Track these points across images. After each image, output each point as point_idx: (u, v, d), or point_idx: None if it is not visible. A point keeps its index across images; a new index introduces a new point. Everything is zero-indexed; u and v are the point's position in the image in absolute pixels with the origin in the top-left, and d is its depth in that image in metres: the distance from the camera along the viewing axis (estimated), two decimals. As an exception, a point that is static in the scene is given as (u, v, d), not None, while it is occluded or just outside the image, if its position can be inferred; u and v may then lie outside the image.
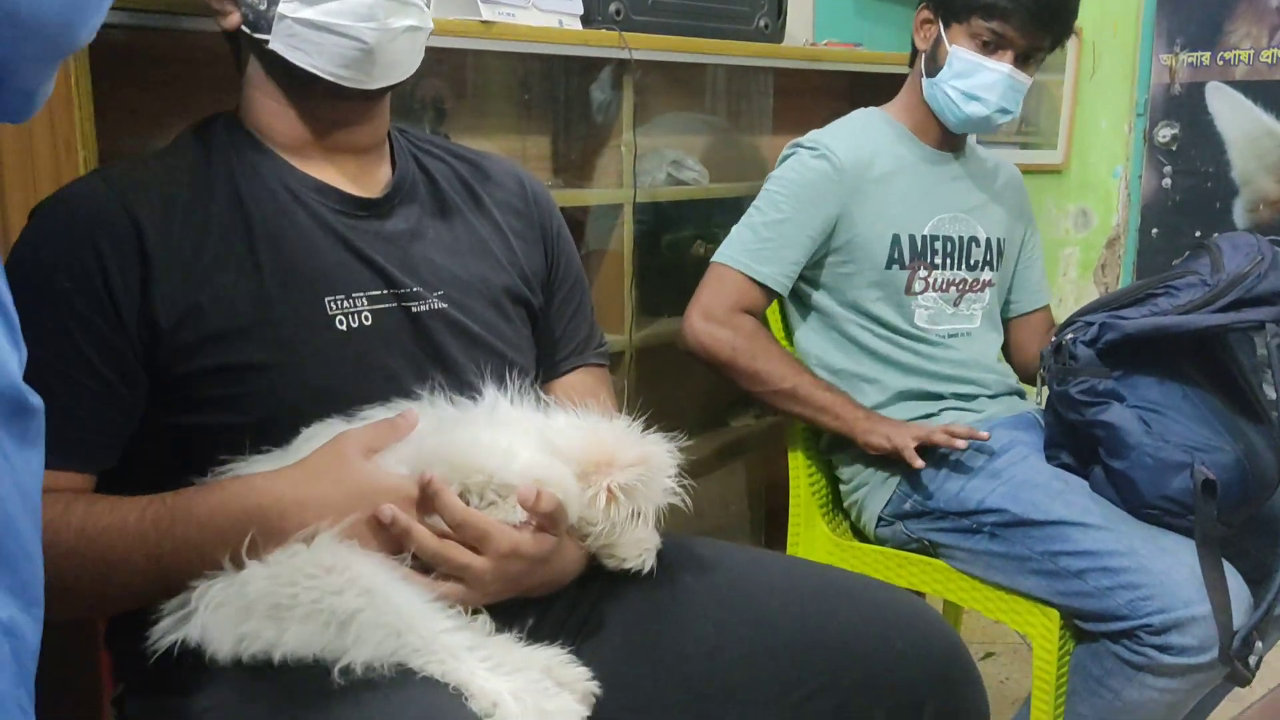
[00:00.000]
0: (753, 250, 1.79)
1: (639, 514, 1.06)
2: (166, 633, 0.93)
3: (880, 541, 1.83)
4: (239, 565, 0.93)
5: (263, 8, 1.06)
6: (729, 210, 2.27)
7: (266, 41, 1.07)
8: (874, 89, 2.21)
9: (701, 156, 2.21)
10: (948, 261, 1.89)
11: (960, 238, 1.90)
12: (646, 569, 1.08)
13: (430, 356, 1.12)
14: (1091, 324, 1.60)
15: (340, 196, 1.13)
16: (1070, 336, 1.61)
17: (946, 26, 1.81)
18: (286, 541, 0.94)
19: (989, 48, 1.78)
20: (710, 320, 1.78)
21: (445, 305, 1.15)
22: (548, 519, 1.00)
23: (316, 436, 1.02)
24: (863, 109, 1.96)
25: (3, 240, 1.43)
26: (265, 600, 0.91)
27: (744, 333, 1.77)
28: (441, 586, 0.97)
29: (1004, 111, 1.82)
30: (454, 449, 1.01)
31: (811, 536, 1.90)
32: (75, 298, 0.98)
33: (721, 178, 2.23)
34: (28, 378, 0.95)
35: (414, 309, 1.13)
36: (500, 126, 1.94)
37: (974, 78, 1.79)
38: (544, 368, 1.29)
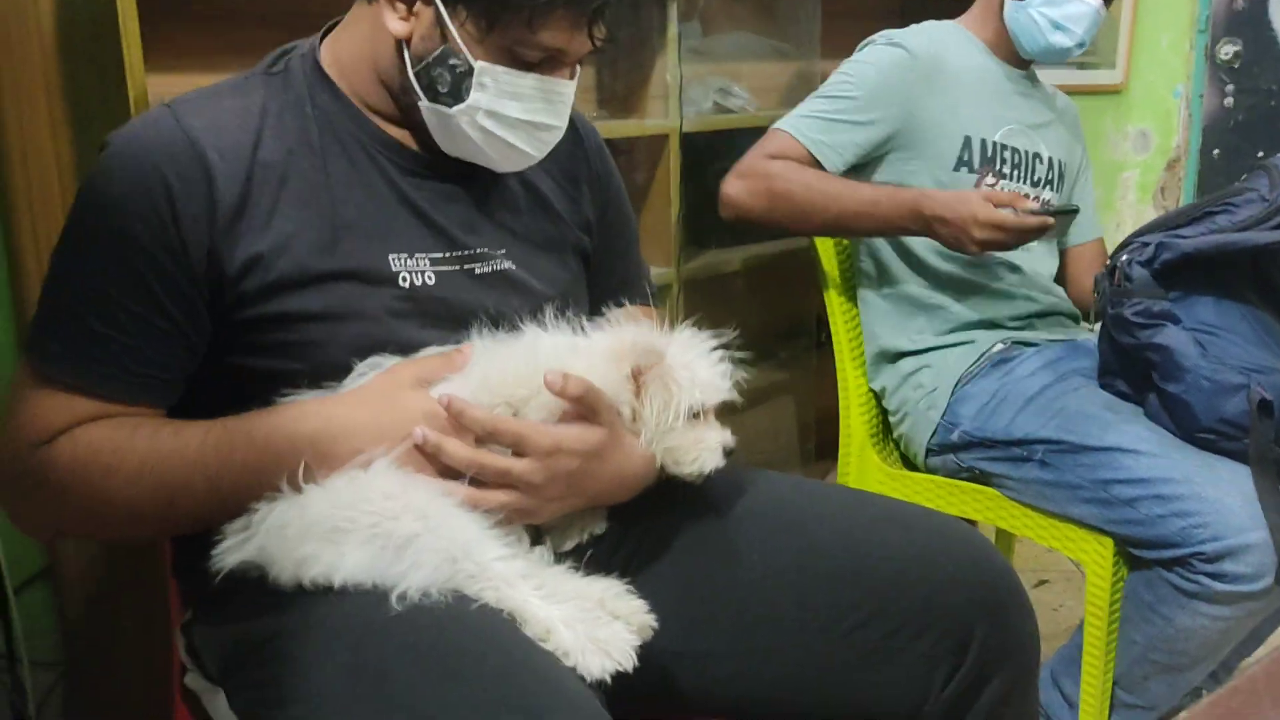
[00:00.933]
0: (810, 120, 1.76)
1: (677, 406, 1.04)
2: (229, 552, 0.96)
3: (931, 471, 1.83)
4: (297, 489, 0.95)
5: (448, 83, 1.04)
6: (777, 138, 2.24)
7: (446, 103, 1.05)
8: (923, 8, 2.15)
9: (748, 84, 2.18)
10: (1015, 173, 1.86)
11: (1027, 152, 1.87)
12: (706, 469, 1.06)
13: (492, 315, 1.11)
14: (1148, 244, 1.56)
15: (410, 156, 1.12)
16: (1125, 258, 1.57)
17: None
18: (340, 466, 0.95)
19: None
20: (744, 175, 1.75)
21: (509, 265, 1.15)
22: (583, 405, 0.98)
23: (368, 373, 1.03)
24: (933, 20, 1.92)
25: (57, 174, 1.46)
26: (324, 523, 0.93)
27: (777, 173, 1.72)
28: (495, 497, 0.97)
29: (1082, 45, 1.80)
30: (495, 371, 1.01)
31: (863, 466, 1.90)
32: (145, 236, 0.98)
33: (769, 105, 2.19)
34: (101, 314, 0.98)
35: (477, 270, 1.13)
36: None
37: (1064, 7, 1.78)
38: (592, 306, 1.29)
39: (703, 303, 2.11)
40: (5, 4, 1.51)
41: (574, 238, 1.23)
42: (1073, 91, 2.11)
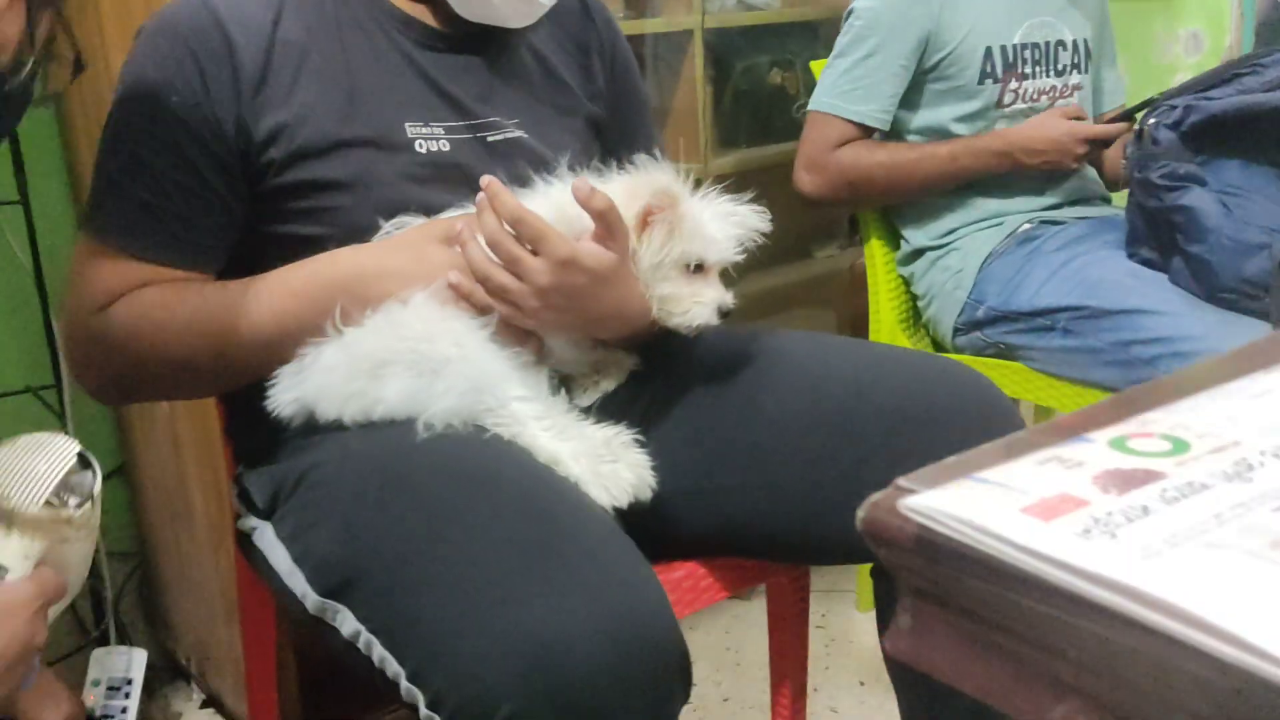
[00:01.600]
0: (846, 91, 1.78)
1: (670, 251, 1.05)
2: (283, 394, 1.03)
3: (959, 351, 1.86)
4: (338, 331, 1.01)
5: None
6: (805, 36, 2.26)
7: None
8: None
9: (774, -18, 2.19)
10: (1037, 70, 1.86)
11: (1047, 43, 1.87)
12: (695, 323, 1.07)
13: (506, 181, 1.17)
14: (1175, 107, 1.57)
15: (424, 30, 1.17)
16: (1153, 121, 1.58)
17: None
18: (372, 306, 1.01)
19: None
20: (814, 169, 1.80)
21: (521, 133, 1.20)
22: (604, 222, 1.00)
23: (403, 225, 1.09)
24: None
25: (106, 71, 1.54)
26: (369, 358, 0.99)
27: (849, 165, 1.79)
28: (498, 277, 1.00)
29: None
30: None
31: (892, 351, 1.93)
32: (182, 110, 1.06)
33: (794, 2, 2.21)
34: (149, 186, 1.05)
35: (489, 138, 1.18)
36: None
37: None
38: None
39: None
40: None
41: (585, 108, 1.28)
42: None
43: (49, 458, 0.79)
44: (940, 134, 1.83)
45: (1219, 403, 0.46)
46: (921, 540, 0.40)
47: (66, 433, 1.80)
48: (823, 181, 1.81)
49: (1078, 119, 1.78)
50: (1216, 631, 0.30)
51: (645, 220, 1.06)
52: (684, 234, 1.06)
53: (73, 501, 0.78)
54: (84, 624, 1.94)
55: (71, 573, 0.82)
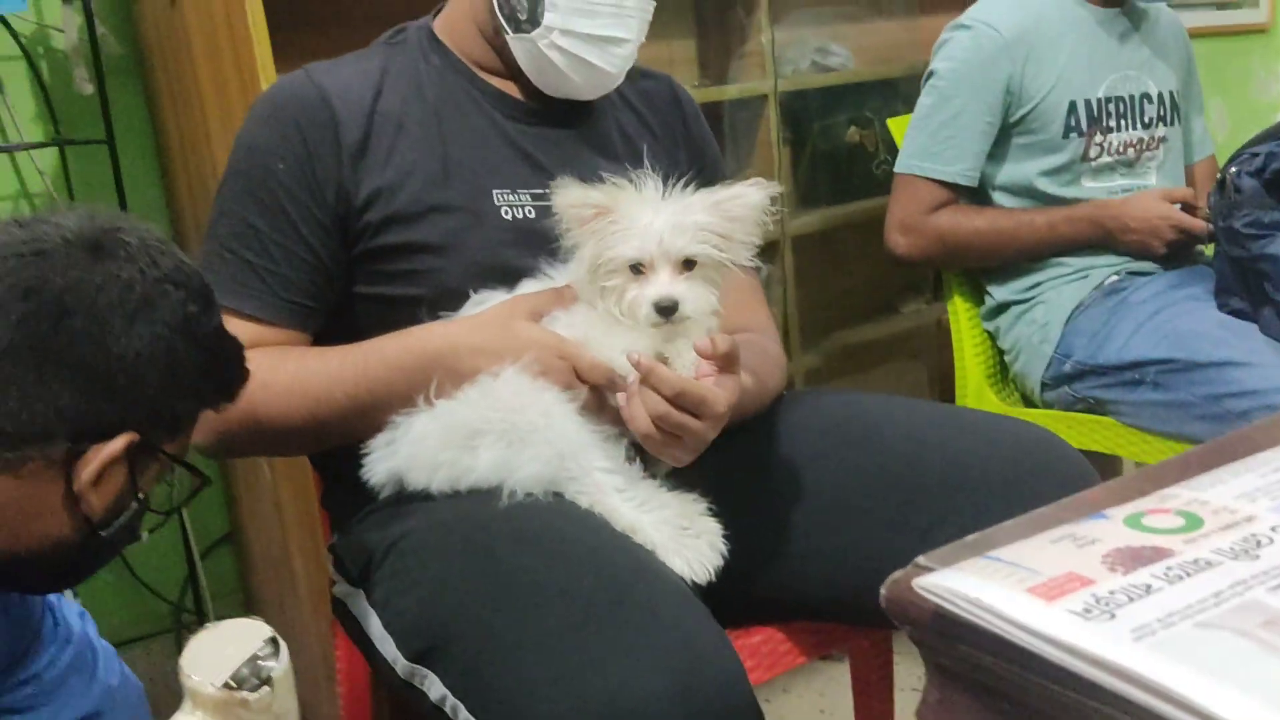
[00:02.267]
0: (934, 152, 1.80)
1: (599, 256, 1.05)
2: (376, 464, 1.08)
3: (1048, 406, 1.84)
4: (430, 403, 1.06)
5: (525, 9, 1.16)
6: (882, 94, 2.28)
7: (526, 30, 1.16)
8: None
9: (849, 42, 2.23)
10: (1123, 123, 1.85)
11: (1132, 96, 1.86)
12: (636, 317, 1.05)
13: None
14: (1257, 155, 1.55)
15: (514, 104, 1.24)
16: (1235, 169, 1.57)
17: None
18: (463, 382, 1.06)
19: None
20: (909, 232, 1.82)
21: None
22: (728, 361, 1.04)
23: (484, 302, 1.15)
24: None
25: (208, 151, 1.65)
26: (462, 428, 1.04)
27: (946, 231, 1.80)
28: (669, 450, 1.03)
29: None
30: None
31: (980, 406, 1.92)
32: (286, 176, 1.14)
33: (869, 62, 2.23)
34: (255, 249, 1.12)
35: None
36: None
37: None
38: None
39: (813, 260, 2.17)
40: (161, 22, 1.72)
41: None
42: (1215, 33, 2.07)
43: (238, 641, 0.84)
44: (1025, 189, 1.83)
45: (1242, 477, 0.46)
46: (939, 618, 0.42)
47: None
48: (917, 244, 1.82)
49: (1186, 203, 1.75)
50: (1196, 710, 0.31)
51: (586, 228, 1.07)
52: (610, 239, 1.06)
53: (249, 685, 0.82)
54: (197, 685, 2.02)
55: None
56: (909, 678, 1.38)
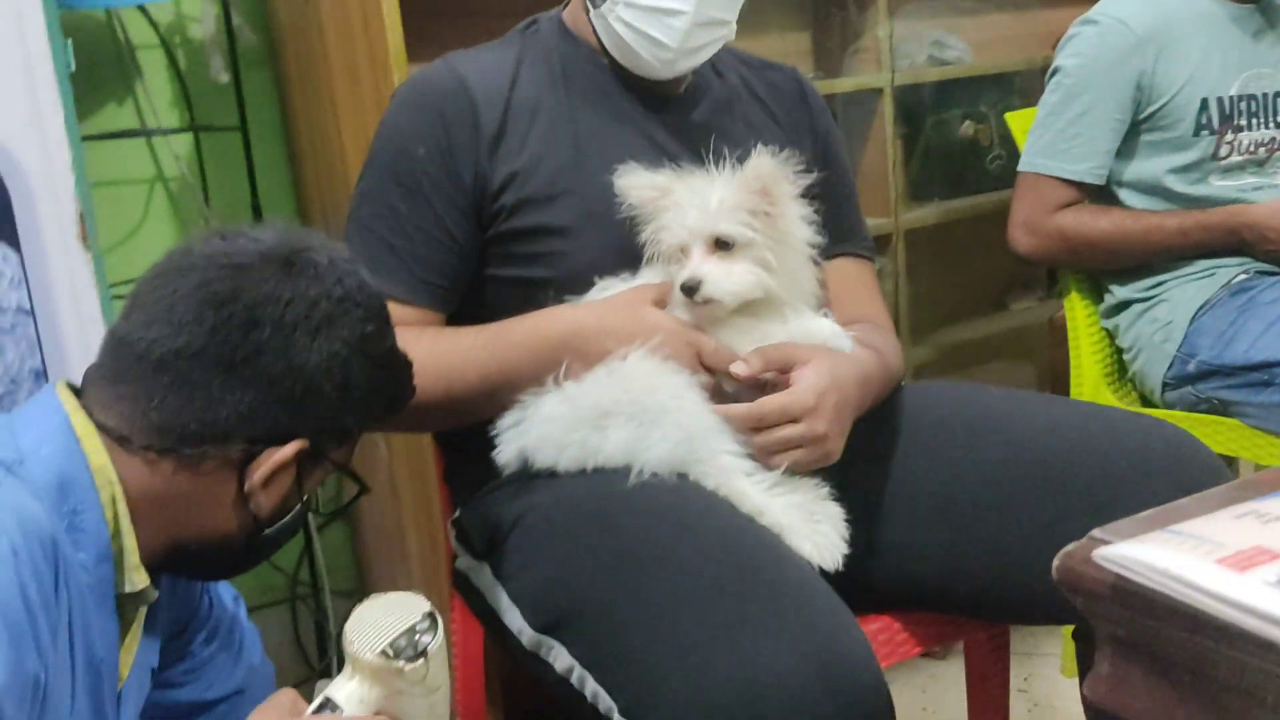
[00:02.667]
0: (1060, 150, 1.76)
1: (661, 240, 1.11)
2: (507, 444, 1.11)
3: (1169, 406, 1.79)
4: (558, 385, 1.09)
5: None
6: (999, 88, 2.25)
7: (596, 4, 1.21)
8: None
9: (966, 35, 2.20)
10: (1254, 122, 1.79)
11: (1266, 94, 1.80)
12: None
13: None
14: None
15: (646, 90, 1.26)
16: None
17: None
18: (590, 364, 1.09)
19: None
20: (1034, 232, 1.79)
21: None
22: (778, 365, 1.07)
23: (607, 289, 1.17)
24: None
25: (336, 140, 1.70)
26: (592, 409, 1.06)
27: (1070, 231, 1.77)
28: (792, 456, 1.05)
29: None
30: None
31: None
32: (426, 161, 1.18)
33: (988, 55, 2.20)
34: (394, 229, 1.16)
35: None
36: (760, 25, 2.03)
37: None
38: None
39: (926, 254, 2.15)
40: (295, 12, 1.78)
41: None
42: None
43: (398, 612, 0.86)
44: (1153, 186, 1.79)
45: None
46: (1117, 589, 0.42)
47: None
48: (1041, 244, 1.79)
49: None
50: None
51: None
52: (663, 222, 1.11)
53: (406, 655, 0.84)
54: (309, 658, 2.09)
55: None
56: (1014, 679, 1.37)
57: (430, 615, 0.87)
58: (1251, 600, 0.36)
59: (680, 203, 1.10)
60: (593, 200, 1.18)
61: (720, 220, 1.08)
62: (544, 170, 1.18)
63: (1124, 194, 1.81)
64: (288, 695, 0.88)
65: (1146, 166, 1.78)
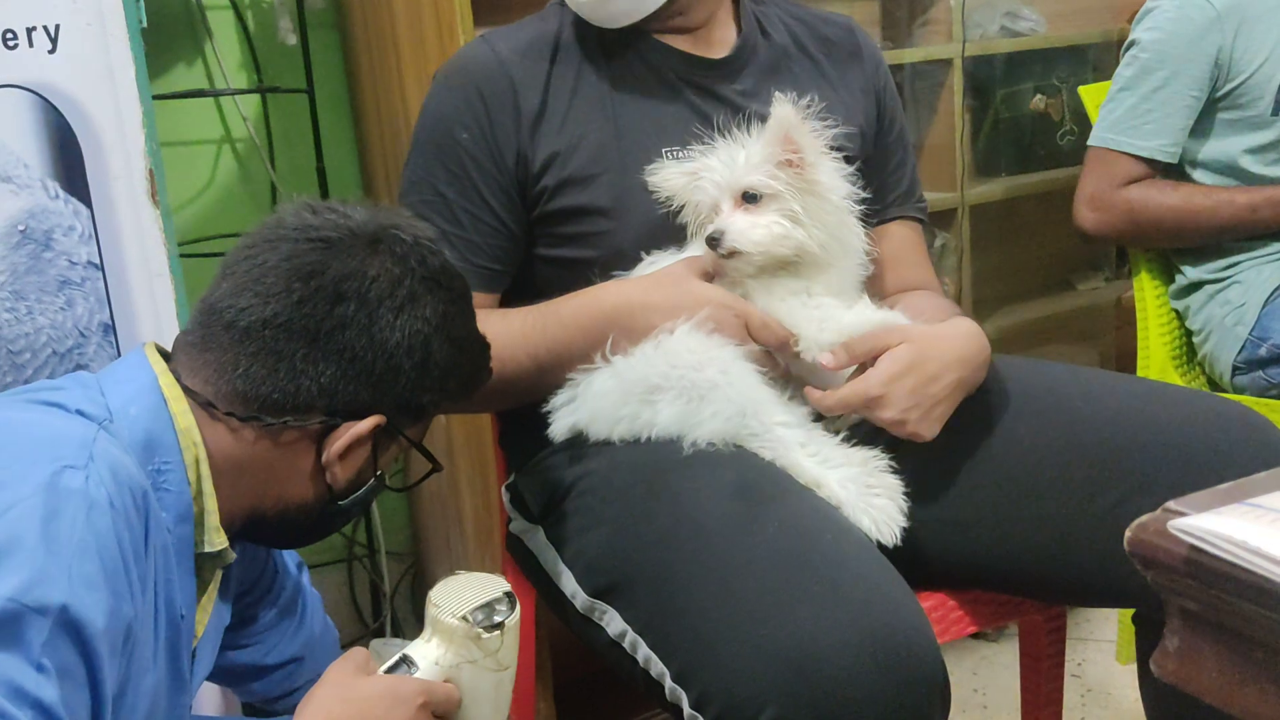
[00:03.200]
0: (1133, 126, 1.72)
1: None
2: (560, 420, 1.12)
3: (1239, 391, 1.75)
4: (607, 360, 1.09)
5: None
6: (1072, 61, 2.20)
7: None
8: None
9: (1040, 6, 2.15)
10: None
11: None
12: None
13: None
14: None
15: (686, 59, 1.25)
16: None
17: None
18: (638, 338, 1.08)
19: None
20: (1099, 208, 1.75)
21: None
22: (857, 356, 1.07)
23: (655, 263, 1.17)
24: None
25: (402, 103, 1.71)
26: (640, 384, 1.07)
27: (1137, 206, 1.72)
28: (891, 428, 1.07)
29: None
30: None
31: (1162, 389, 1.84)
32: (470, 144, 1.18)
33: (1062, 27, 2.15)
34: (444, 215, 1.17)
35: None
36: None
37: None
38: (868, 217, 1.35)
39: (992, 230, 2.11)
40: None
41: (842, 138, 1.30)
42: None
43: (481, 587, 0.91)
44: (1228, 166, 1.74)
45: None
46: (1191, 561, 0.41)
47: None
48: (1107, 220, 1.75)
49: None
50: None
51: None
52: (695, 194, 1.13)
53: (484, 625, 0.88)
54: (364, 617, 2.13)
55: (470, 699, 0.90)
56: (1068, 663, 1.35)
57: (509, 595, 0.90)
58: (1334, 575, 0.34)
59: (710, 168, 1.10)
60: (634, 178, 1.17)
61: (747, 173, 1.08)
62: (584, 150, 1.18)
63: (1197, 174, 1.76)
64: (361, 654, 0.89)
65: (1222, 145, 1.73)
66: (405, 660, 0.89)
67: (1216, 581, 0.39)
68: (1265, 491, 0.42)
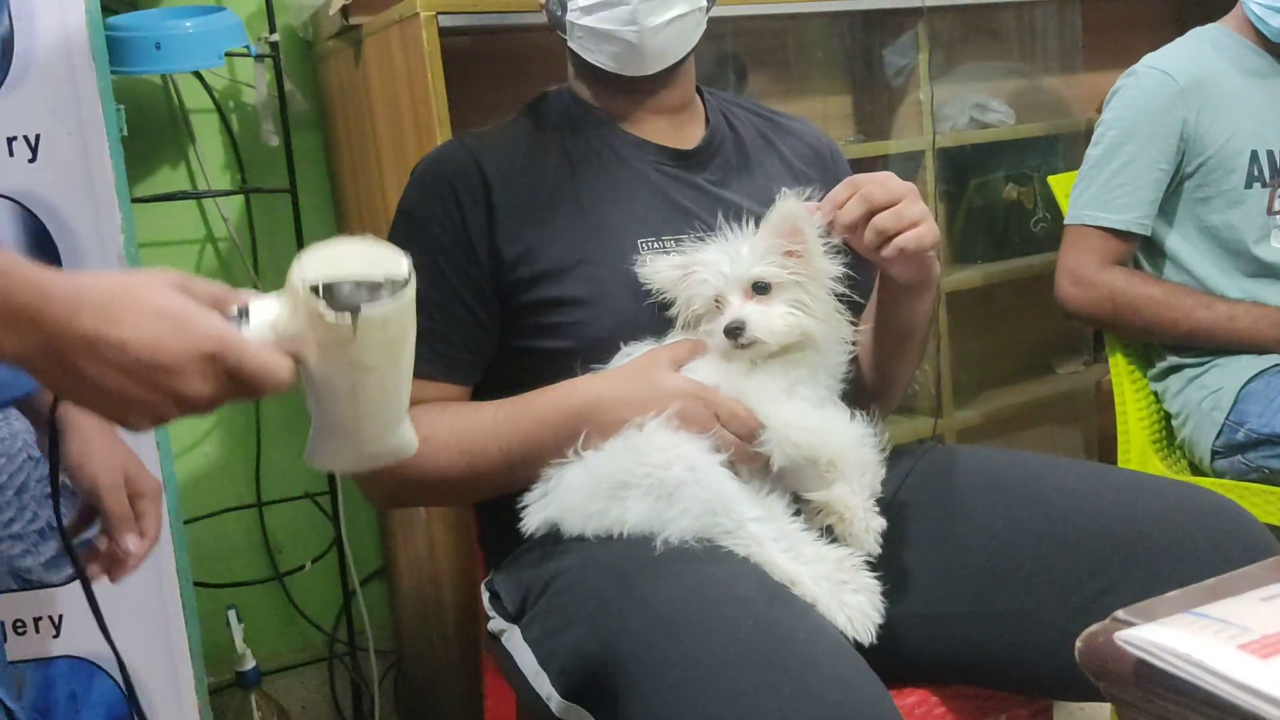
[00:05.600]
0: (1105, 201, 1.75)
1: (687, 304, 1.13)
2: (532, 515, 1.11)
3: (1219, 474, 1.75)
4: (579, 455, 1.09)
5: (558, 14, 1.26)
6: (1042, 150, 2.25)
7: (566, 40, 1.26)
8: (1203, 11, 2.09)
9: (1008, 99, 2.20)
10: None
11: None
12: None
13: None
14: None
15: (658, 150, 1.28)
16: None
17: None
18: (609, 434, 1.08)
19: None
20: (1081, 284, 1.77)
21: None
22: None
23: (633, 353, 1.18)
24: (1198, 27, 1.87)
25: (382, 201, 1.73)
26: (610, 481, 1.06)
27: (1120, 289, 1.75)
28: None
29: None
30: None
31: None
32: (443, 238, 1.20)
33: (1030, 118, 2.20)
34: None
35: None
36: (801, 89, 2.05)
37: None
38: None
39: (970, 317, 2.13)
40: (344, 78, 1.82)
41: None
42: None
43: (366, 263, 0.75)
44: (1209, 241, 1.76)
45: None
46: (1140, 673, 0.41)
47: (339, 535, 1.98)
48: (1090, 298, 1.77)
49: None
50: None
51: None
52: (692, 289, 1.15)
53: (336, 304, 0.73)
54: (344, 717, 2.08)
55: (321, 390, 0.77)
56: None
57: (397, 282, 0.75)
58: (1273, 689, 0.34)
59: (709, 262, 1.12)
60: (608, 269, 1.19)
61: (755, 263, 1.10)
62: (556, 243, 1.20)
63: (1186, 253, 1.78)
64: (175, 273, 0.74)
65: (1201, 221, 1.76)
66: (243, 313, 0.75)
67: (1164, 693, 0.39)
68: (1216, 598, 0.42)
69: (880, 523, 1.07)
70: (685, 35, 1.26)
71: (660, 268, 1.16)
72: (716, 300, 1.12)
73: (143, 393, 0.70)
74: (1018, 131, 2.15)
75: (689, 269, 1.14)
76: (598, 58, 1.25)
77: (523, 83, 1.57)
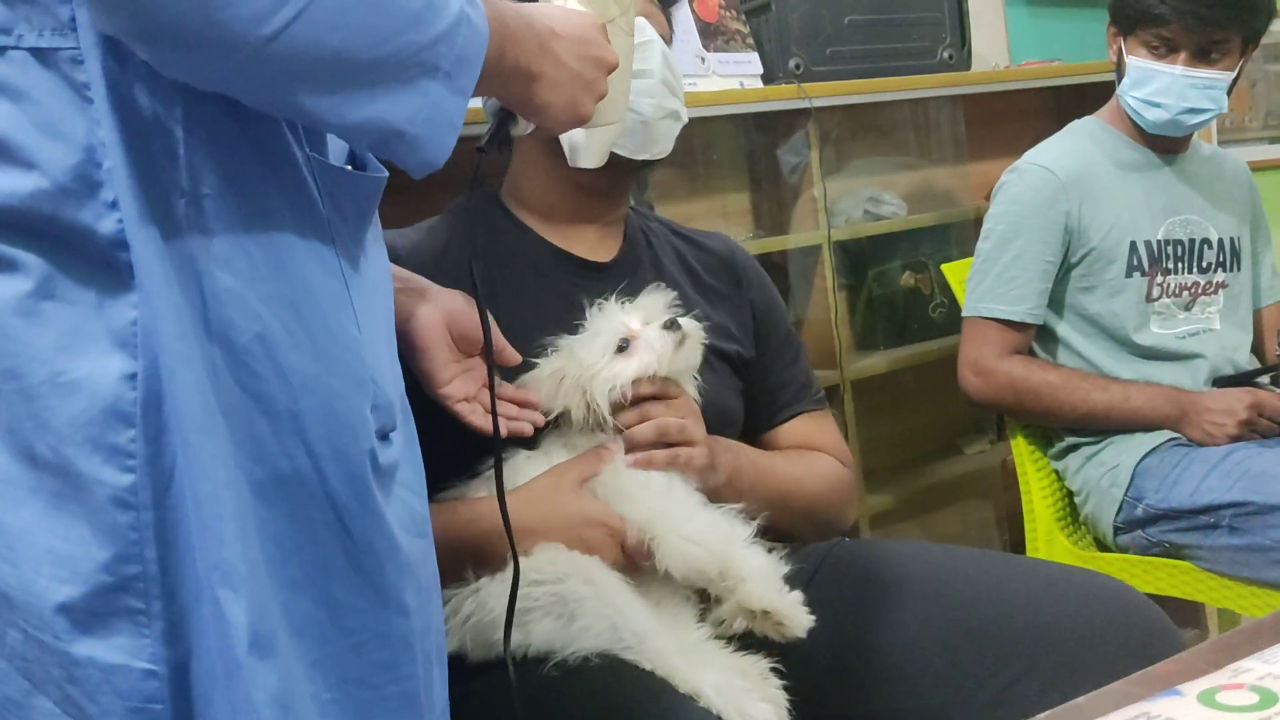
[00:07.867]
0: (998, 293, 1.82)
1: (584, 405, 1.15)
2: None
3: (1122, 549, 1.79)
4: (473, 585, 1.08)
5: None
6: (935, 239, 2.32)
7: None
8: (1080, 101, 2.20)
9: (899, 191, 2.28)
10: (1180, 266, 1.86)
11: (1191, 240, 1.87)
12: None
13: None
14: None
15: (574, 261, 1.29)
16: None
17: (1125, 38, 1.82)
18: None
19: (1158, 52, 1.77)
20: (982, 374, 1.83)
21: None
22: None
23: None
24: (1077, 120, 1.96)
25: None
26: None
27: (1019, 377, 1.80)
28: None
29: (1193, 111, 1.78)
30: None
31: (1051, 551, 1.87)
32: None
33: (922, 208, 2.28)
34: None
35: None
36: (703, 187, 2.09)
37: (1149, 85, 1.78)
38: (764, 416, 1.38)
39: (875, 403, 2.17)
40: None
41: (718, 344, 1.33)
42: (1269, 167, 2.08)
43: None
44: (1090, 324, 1.83)
45: (1318, 649, 0.45)
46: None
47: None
48: (990, 387, 1.82)
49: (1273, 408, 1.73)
50: None
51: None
52: (587, 383, 1.17)
53: None
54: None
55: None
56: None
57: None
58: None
59: (591, 345, 1.15)
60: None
61: (664, 310, 1.17)
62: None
63: (1075, 339, 1.84)
64: None
65: (1087, 310, 1.83)
66: None
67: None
68: (1116, 707, 0.42)
69: (798, 595, 1.06)
70: (671, 137, 1.28)
71: (537, 379, 1.15)
72: (620, 344, 1.14)
73: (583, 66, 0.90)
74: (910, 222, 2.22)
75: (563, 373, 1.14)
76: (569, 150, 1.23)
77: (430, 195, 1.58)
